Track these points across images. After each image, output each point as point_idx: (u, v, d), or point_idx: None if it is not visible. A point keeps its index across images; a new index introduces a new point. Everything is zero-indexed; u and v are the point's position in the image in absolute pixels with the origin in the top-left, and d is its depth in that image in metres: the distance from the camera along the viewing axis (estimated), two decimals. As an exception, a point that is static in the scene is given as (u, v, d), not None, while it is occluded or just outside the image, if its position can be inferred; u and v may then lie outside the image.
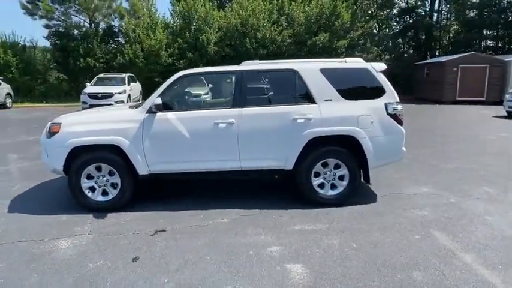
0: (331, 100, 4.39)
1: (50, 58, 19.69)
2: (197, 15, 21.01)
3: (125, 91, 15.41)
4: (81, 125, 4.33)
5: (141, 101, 6.85)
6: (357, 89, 4.66)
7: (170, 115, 4.28)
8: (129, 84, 16.15)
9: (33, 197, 4.90)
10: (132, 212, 4.29)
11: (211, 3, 21.82)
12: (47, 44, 20.35)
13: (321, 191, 4.46)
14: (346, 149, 4.40)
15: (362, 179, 4.64)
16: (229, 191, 5.18)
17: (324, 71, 4.44)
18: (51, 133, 4.28)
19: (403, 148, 4.58)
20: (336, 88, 4.42)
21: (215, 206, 4.44)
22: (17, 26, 36.47)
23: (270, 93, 4.62)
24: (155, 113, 4.24)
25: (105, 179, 4.32)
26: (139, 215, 4.21)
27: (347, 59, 4.75)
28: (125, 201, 4.36)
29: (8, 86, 18.21)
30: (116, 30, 20.90)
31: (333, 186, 4.50)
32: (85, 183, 4.30)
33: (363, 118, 4.34)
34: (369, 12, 25.80)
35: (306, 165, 4.37)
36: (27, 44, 20.44)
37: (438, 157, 7.04)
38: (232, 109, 4.32)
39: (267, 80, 4.69)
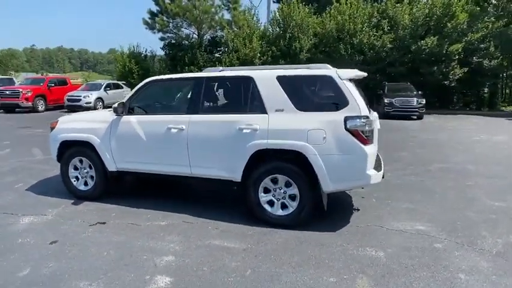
0: (282, 110, 3.98)
1: (164, 66, 22.88)
2: (293, 23, 21.24)
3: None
4: (71, 122, 5.03)
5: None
6: (314, 99, 4.11)
7: (132, 118, 4.59)
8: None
9: (54, 181, 5.88)
10: (106, 203, 4.74)
11: (307, 10, 21.74)
12: (163, 53, 23.78)
13: (269, 209, 4.08)
14: (297, 166, 3.92)
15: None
16: (198, 196, 5.25)
17: (280, 79, 4.05)
18: (51, 128, 5.10)
19: (369, 172, 3.79)
20: (290, 97, 3.98)
21: (170, 208, 4.53)
22: (141, 39, 43.81)
23: (225, 101, 4.47)
24: (121, 115, 4.61)
25: (85, 171, 4.92)
26: (103, 207, 4.63)
27: (312, 65, 4.20)
28: (98, 193, 4.86)
29: (129, 89, 21.91)
30: (218, 40, 22.81)
31: (284, 206, 4.07)
32: (72, 173, 4.98)
33: (314, 132, 3.80)
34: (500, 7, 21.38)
35: (253, 179, 4.07)
36: (148, 54, 24.25)
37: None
38: (185, 115, 4.36)
39: (223, 87, 4.54)
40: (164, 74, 22.49)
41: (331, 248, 3.55)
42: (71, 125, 4.94)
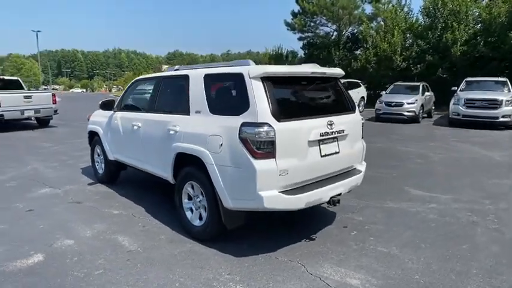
0: (200, 112, 3.58)
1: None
2: (447, 10, 17.70)
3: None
4: (95, 116, 5.94)
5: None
6: (225, 100, 3.48)
7: (119, 114, 5.04)
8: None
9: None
10: (114, 190, 5.44)
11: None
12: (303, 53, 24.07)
13: (189, 217, 3.76)
14: (205, 174, 3.45)
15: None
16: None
17: (205, 78, 3.64)
18: (87, 119, 6.18)
19: (263, 193, 2.94)
20: (207, 98, 3.55)
21: (146, 203, 4.77)
22: (284, 40, 44.32)
23: (169, 99, 4.29)
24: (115, 111, 5.16)
25: (101, 157, 5.75)
26: (108, 194, 5.24)
27: (250, 61, 3.47)
28: (106, 178, 5.61)
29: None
30: (358, 36, 21.29)
31: (201, 217, 3.67)
32: (95, 157, 5.93)
33: (212, 139, 3.26)
34: None
35: (177, 183, 3.85)
36: (290, 55, 25.02)
37: None
38: (142, 114, 4.51)
39: (170, 86, 4.34)
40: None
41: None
42: (94, 118, 5.87)
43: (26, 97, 11.55)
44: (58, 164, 7.12)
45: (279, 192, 3.05)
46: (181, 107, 3.86)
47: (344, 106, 3.83)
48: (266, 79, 3.13)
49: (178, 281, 2.94)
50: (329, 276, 3.00)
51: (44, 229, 3.95)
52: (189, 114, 3.72)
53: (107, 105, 5.14)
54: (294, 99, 3.51)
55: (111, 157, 5.30)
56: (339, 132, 3.49)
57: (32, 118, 12.52)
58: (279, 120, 3.04)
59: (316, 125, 3.28)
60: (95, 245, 3.57)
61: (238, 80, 3.23)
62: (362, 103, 18.17)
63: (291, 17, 23.07)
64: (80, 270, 3.09)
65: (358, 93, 17.86)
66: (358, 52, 21.21)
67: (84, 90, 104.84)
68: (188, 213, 3.78)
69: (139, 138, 4.46)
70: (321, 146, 3.35)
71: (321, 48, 21.58)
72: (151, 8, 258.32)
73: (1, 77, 13.38)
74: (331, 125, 3.39)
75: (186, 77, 3.92)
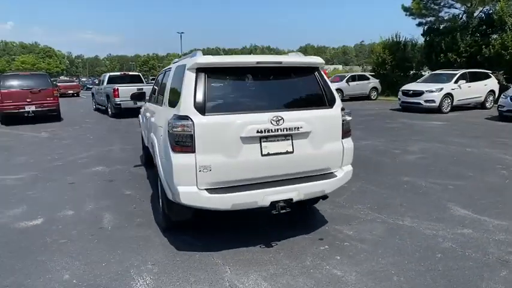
0: (165, 104, 3.69)
1: (418, 55, 20.22)
2: None
3: (440, 89, 13.56)
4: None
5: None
6: (174, 92, 3.51)
7: (146, 105, 5.52)
8: (456, 82, 13.67)
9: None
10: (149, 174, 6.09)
11: None
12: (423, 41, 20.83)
13: (160, 204, 3.91)
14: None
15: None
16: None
17: (174, 70, 3.71)
18: None
19: (181, 188, 2.87)
20: (169, 91, 3.67)
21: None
22: (402, 27, 37.42)
23: (159, 92, 4.39)
24: (145, 102, 5.67)
25: (146, 143, 6.42)
26: (140, 176, 5.93)
27: (199, 52, 3.27)
28: (143, 163, 6.26)
29: (377, 81, 21.37)
30: (491, 17, 17.14)
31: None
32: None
33: (159, 130, 3.52)
34: None
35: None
36: (409, 43, 22.04)
37: None
38: (151, 104, 4.82)
39: (163, 79, 4.40)
40: (418, 63, 20.14)
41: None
42: (142, 109, 6.58)
43: (138, 89, 13.67)
44: (131, 147, 8.26)
45: (202, 189, 2.90)
46: (161, 99, 4.02)
47: (313, 100, 3.30)
48: (200, 70, 2.98)
49: (109, 261, 3.13)
50: (242, 287, 2.71)
51: (64, 199, 4.71)
52: (161, 106, 3.84)
53: (137, 97, 5.71)
54: (232, 92, 3.20)
55: (145, 144, 5.88)
56: (291, 129, 3.04)
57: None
58: (204, 114, 2.87)
59: (254, 121, 2.94)
60: (82, 218, 4.09)
61: (182, 72, 3.17)
62: (491, 98, 14.86)
63: (411, 1, 20.37)
64: (52, 237, 3.61)
65: (485, 86, 14.68)
66: (494, 36, 17.21)
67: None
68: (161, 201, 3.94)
69: (147, 128, 4.84)
70: (263, 143, 2.99)
71: (443, 34, 18.33)
72: (283, 7, 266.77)
73: (125, 72, 16.16)
74: (277, 121, 2.99)
75: (169, 70, 4.05)
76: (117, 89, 13.29)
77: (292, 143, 3.09)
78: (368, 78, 21.34)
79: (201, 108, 2.87)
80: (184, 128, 2.82)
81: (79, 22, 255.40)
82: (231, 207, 2.92)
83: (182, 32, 64.40)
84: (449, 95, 13.65)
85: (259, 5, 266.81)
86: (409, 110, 14.20)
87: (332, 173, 3.35)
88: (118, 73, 17.01)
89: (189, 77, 2.97)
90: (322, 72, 3.44)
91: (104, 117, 14.39)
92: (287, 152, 3.07)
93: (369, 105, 17.68)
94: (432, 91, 13.61)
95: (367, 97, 20.95)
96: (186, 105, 2.88)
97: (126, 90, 13.26)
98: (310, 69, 3.37)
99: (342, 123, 3.34)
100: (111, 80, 15.23)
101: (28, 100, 11.82)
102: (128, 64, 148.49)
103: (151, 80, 34.65)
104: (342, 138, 3.36)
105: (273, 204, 3.01)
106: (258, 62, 3.05)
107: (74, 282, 2.82)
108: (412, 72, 22.09)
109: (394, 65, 21.42)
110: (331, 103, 3.32)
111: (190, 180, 2.86)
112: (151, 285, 2.77)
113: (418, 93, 13.89)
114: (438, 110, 13.49)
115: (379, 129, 10.31)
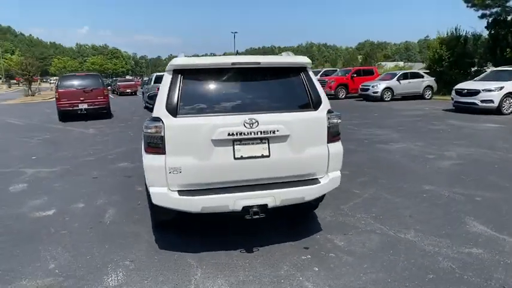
0: None
1: (478, 50, 18.19)
2: None
3: (500, 88, 12.23)
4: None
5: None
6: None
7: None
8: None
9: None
10: None
11: None
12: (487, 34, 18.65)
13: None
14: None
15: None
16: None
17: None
18: None
19: (152, 189, 2.90)
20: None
21: None
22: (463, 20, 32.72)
23: None
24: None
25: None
26: None
27: (181, 54, 3.25)
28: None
29: (432, 79, 19.79)
30: None
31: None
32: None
33: None
34: None
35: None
36: (470, 37, 19.96)
37: None
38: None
39: None
40: (481, 59, 18.38)
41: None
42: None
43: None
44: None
45: (174, 190, 2.92)
46: None
47: (295, 102, 3.14)
48: (177, 72, 2.99)
49: (93, 254, 3.29)
50: (203, 292, 2.69)
51: (81, 193, 5.05)
52: None
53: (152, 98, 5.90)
54: (207, 94, 3.12)
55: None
56: (266, 132, 2.92)
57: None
58: (175, 116, 2.87)
59: (226, 123, 2.87)
60: (89, 212, 4.35)
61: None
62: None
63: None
64: (56, 228, 3.89)
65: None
66: None
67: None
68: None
69: None
70: (236, 146, 2.91)
71: (510, 26, 16.33)
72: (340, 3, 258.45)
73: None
74: (251, 124, 2.89)
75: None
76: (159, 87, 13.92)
77: (268, 146, 2.97)
78: (422, 76, 19.87)
79: (173, 110, 2.88)
80: (155, 129, 2.85)
81: (145, 25, 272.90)
82: (200, 210, 2.90)
83: (236, 32, 65.61)
84: (511, 95, 12.22)
85: (315, 1, 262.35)
86: (464, 111, 12.97)
87: (316, 179, 3.16)
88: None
89: (166, 79, 3.01)
90: (311, 73, 3.26)
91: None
92: (263, 156, 2.96)
93: (420, 105, 16.48)
94: (490, 90, 12.28)
95: (420, 96, 19.53)
96: (158, 107, 2.92)
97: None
98: (295, 70, 3.21)
99: (328, 127, 3.13)
100: (158, 79, 15.98)
101: (81, 99, 12.89)
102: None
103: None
104: (328, 142, 3.16)
105: (246, 209, 2.92)
106: (233, 63, 2.98)
107: (55, 272, 3.01)
108: (473, 69, 20.10)
109: (452, 61, 19.68)
110: (316, 105, 3.13)
111: (161, 181, 2.89)
112: (121, 281, 2.85)
113: (474, 93, 12.61)
114: (497, 111, 12.14)
115: (420, 131, 9.56)
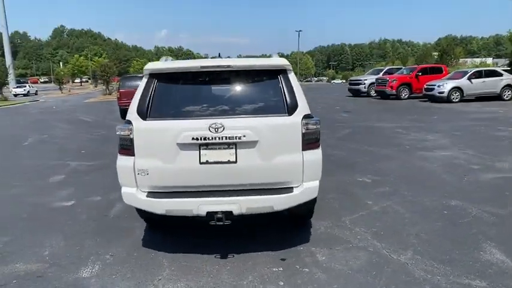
0: None
1: None
2: None
3: None
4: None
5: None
6: None
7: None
8: None
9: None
10: None
11: None
12: None
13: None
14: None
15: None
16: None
17: None
18: None
19: (124, 188, 3.03)
20: None
21: None
22: None
23: None
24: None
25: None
26: None
27: (164, 58, 3.28)
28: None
29: (511, 77, 17.39)
30: None
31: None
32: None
33: None
34: None
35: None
36: None
37: None
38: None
39: None
40: None
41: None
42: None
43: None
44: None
45: (144, 191, 3.00)
46: None
47: (267, 107, 2.99)
48: (152, 76, 3.06)
49: (83, 245, 3.54)
50: (159, 294, 2.72)
51: (103, 185, 5.45)
52: None
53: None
54: (178, 98, 3.09)
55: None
56: (232, 138, 2.83)
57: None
58: (145, 119, 2.94)
59: (191, 127, 2.85)
60: (100, 205, 4.68)
61: None
62: None
63: None
64: (65, 218, 4.26)
65: None
66: None
67: (344, 81, 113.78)
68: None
69: None
70: (202, 151, 2.88)
71: None
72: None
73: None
74: (217, 128, 2.83)
75: None
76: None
77: (236, 152, 2.88)
78: (500, 74, 17.56)
79: (143, 114, 2.95)
80: (126, 132, 2.96)
81: (216, 27, 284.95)
82: (165, 213, 2.93)
83: (300, 30, 65.10)
84: None
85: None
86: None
87: (289, 188, 2.98)
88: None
89: (142, 82, 3.09)
90: (291, 76, 3.08)
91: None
92: (229, 162, 2.88)
93: (494, 107, 14.59)
94: None
95: (498, 97, 17.30)
96: (131, 110, 3.02)
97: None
98: (273, 73, 3.06)
99: (303, 133, 2.93)
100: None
101: (139, 98, 13.91)
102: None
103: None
104: (303, 149, 2.95)
105: (211, 215, 2.88)
106: (202, 67, 2.95)
107: (46, 259, 3.30)
108: None
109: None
110: (290, 110, 2.95)
111: (131, 182, 2.99)
112: (93, 274, 3.02)
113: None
114: None
115: (478, 137, 8.47)
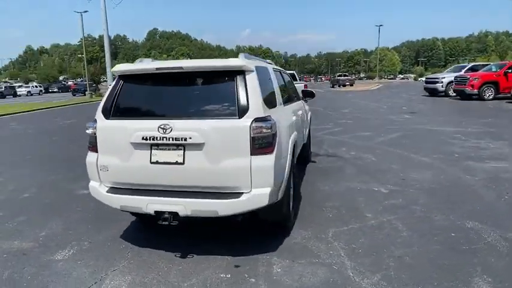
0: None
1: None
2: None
3: None
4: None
5: None
6: None
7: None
8: None
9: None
10: None
11: None
12: None
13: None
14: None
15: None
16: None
17: None
18: None
19: (90, 182, 3.23)
20: None
21: None
22: None
23: None
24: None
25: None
26: None
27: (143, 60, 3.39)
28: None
29: None
30: None
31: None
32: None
33: None
34: None
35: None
36: None
37: None
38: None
39: None
40: None
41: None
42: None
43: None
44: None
45: (107, 186, 3.19)
46: None
47: (216, 109, 2.90)
48: (120, 77, 3.22)
49: (75, 230, 3.90)
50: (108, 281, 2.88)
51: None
52: None
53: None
54: (137, 98, 3.16)
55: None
56: (178, 139, 2.83)
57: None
58: (107, 118, 3.11)
59: (142, 127, 2.92)
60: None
61: None
62: None
63: None
64: (77, 205, 4.69)
65: None
66: None
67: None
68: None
69: None
70: (153, 151, 2.94)
71: None
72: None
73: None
74: (165, 129, 2.85)
75: None
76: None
77: (184, 153, 2.88)
78: None
79: (107, 113, 3.13)
80: (91, 130, 3.17)
81: (298, 24, 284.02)
82: (120, 208, 3.08)
83: (380, 25, 61.24)
84: None
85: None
86: None
87: (237, 193, 2.88)
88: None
89: (112, 83, 3.28)
90: (250, 77, 2.95)
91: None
92: (177, 163, 2.90)
93: None
94: None
95: None
96: (98, 109, 3.22)
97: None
98: (229, 74, 2.96)
99: (252, 137, 2.79)
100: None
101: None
102: (334, 60, 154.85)
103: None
104: (252, 154, 2.81)
105: (159, 213, 2.94)
106: (157, 68, 3.00)
107: (39, 240, 3.70)
108: None
109: None
110: (241, 113, 2.83)
111: (95, 176, 3.20)
112: (65, 257, 3.31)
113: None
114: None
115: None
